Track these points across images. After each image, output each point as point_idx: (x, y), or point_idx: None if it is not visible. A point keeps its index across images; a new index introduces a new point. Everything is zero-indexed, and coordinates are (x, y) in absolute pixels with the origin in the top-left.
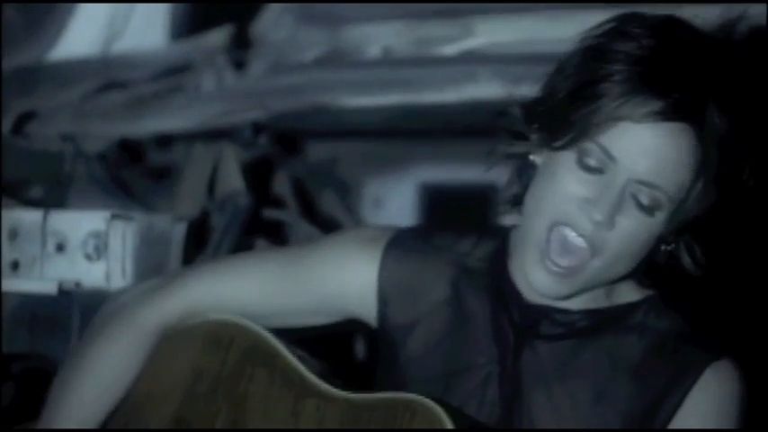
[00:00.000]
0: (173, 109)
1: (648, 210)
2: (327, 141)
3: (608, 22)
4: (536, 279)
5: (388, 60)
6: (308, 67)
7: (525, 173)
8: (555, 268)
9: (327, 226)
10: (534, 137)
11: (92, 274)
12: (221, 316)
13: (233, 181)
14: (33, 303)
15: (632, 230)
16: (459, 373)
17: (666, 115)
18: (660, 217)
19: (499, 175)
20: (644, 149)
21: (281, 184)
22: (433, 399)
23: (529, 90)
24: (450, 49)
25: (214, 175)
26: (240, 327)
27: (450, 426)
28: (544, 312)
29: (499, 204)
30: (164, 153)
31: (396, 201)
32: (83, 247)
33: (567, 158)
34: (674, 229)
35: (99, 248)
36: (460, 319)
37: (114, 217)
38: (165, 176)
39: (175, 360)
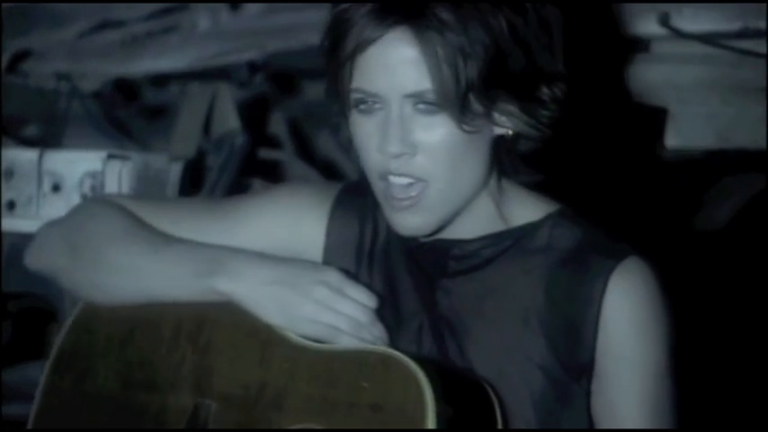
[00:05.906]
0: (168, 48)
1: (431, 111)
2: (323, 81)
3: None
4: (397, 223)
5: None
6: (303, 6)
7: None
8: (401, 203)
9: (323, 165)
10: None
11: None
12: None
13: (229, 121)
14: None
15: (435, 137)
16: (396, 324)
17: (383, 16)
18: (449, 109)
19: None
20: (389, 67)
21: (277, 124)
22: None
23: None
24: None
25: (210, 115)
26: None
27: (424, 379)
28: (442, 249)
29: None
30: (159, 92)
31: None
32: (79, 186)
33: (353, 115)
34: (484, 111)
35: (95, 188)
36: (392, 271)
37: (111, 157)
38: (160, 116)
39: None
